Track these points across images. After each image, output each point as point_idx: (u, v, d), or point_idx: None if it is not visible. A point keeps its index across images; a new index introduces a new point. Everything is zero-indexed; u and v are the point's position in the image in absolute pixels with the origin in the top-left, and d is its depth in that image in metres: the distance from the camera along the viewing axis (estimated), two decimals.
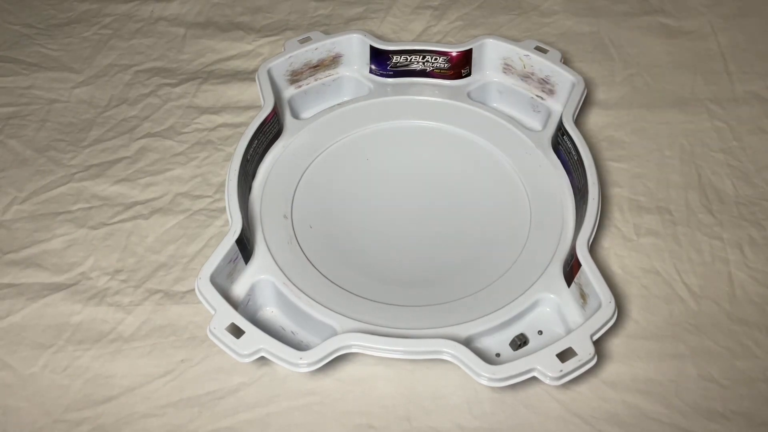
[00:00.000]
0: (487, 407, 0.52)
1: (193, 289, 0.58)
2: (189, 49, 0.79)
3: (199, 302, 0.57)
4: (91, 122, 0.72)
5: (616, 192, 0.65)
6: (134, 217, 0.64)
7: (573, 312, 0.54)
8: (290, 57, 0.69)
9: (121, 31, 0.81)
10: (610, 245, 0.61)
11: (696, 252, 0.61)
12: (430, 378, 0.54)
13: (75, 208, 0.65)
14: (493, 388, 0.52)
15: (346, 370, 0.54)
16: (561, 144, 0.64)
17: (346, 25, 0.81)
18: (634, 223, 0.63)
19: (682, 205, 0.64)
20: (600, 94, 0.73)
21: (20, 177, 0.67)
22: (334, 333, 0.52)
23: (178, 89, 0.74)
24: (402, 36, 0.80)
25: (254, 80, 0.74)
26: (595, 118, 0.71)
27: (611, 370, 0.54)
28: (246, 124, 0.71)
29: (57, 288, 0.59)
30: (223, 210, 0.64)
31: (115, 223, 0.63)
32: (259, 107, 0.72)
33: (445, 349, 0.50)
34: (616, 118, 0.71)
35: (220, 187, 0.66)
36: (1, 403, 0.53)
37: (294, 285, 0.55)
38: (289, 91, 0.70)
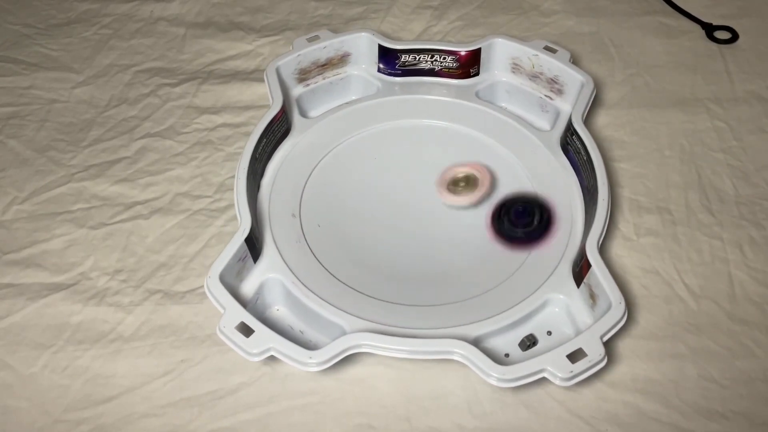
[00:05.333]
0: (487, 407, 0.52)
1: (193, 289, 0.59)
2: (189, 49, 0.79)
3: (199, 302, 0.58)
4: (91, 122, 0.72)
5: (616, 192, 0.65)
6: (134, 217, 0.64)
7: (582, 312, 0.54)
8: (298, 55, 0.69)
9: (121, 31, 0.81)
10: (610, 245, 0.61)
11: (696, 252, 0.61)
12: (430, 378, 0.54)
13: (75, 208, 0.65)
14: (493, 388, 0.52)
15: (346, 370, 0.54)
16: (570, 144, 0.64)
17: (346, 24, 0.81)
18: (634, 223, 0.63)
19: (682, 205, 0.64)
20: (600, 94, 0.73)
21: (20, 177, 0.67)
22: (343, 332, 0.52)
23: (178, 89, 0.74)
24: (402, 36, 0.80)
25: (254, 80, 0.75)
26: (595, 118, 0.71)
27: (611, 370, 0.54)
28: (246, 124, 0.71)
29: (57, 288, 0.59)
30: (223, 210, 0.64)
31: (115, 223, 0.63)
32: (259, 107, 0.72)
33: (455, 349, 0.50)
34: (616, 118, 0.71)
35: (220, 187, 0.66)
36: (1, 403, 0.53)
37: (302, 284, 0.55)
38: (297, 90, 0.70)
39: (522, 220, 0.60)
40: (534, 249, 0.58)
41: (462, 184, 0.62)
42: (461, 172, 0.63)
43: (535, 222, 0.59)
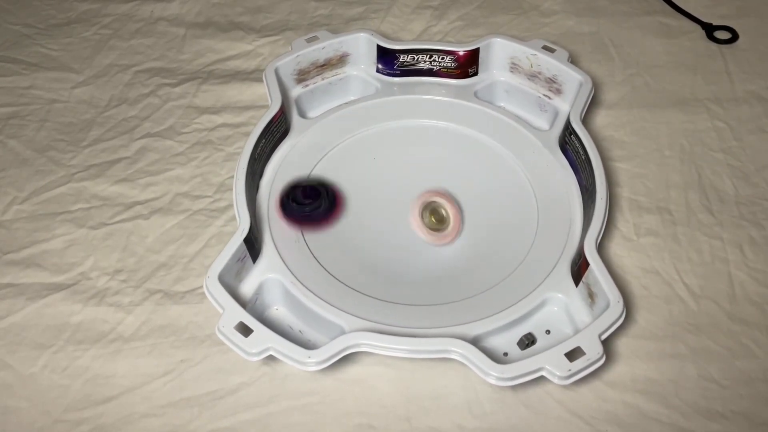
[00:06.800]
0: (487, 407, 0.52)
1: (193, 289, 0.59)
2: (189, 49, 0.79)
3: (199, 302, 0.58)
4: (91, 122, 0.72)
5: (616, 192, 0.65)
6: (134, 217, 0.64)
7: (581, 311, 0.54)
8: (297, 56, 0.69)
9: (121, 31, 0.81)
10: (609, 245, 0.61)
11: (696, 252, 0.61)
12: (430, 378, 0.54)
13: (75, 208, 0.65)
14: (493, 388, 0.52)
15: (346, 370, 0.54)
16: (568, 143, 0.64)
17: (346, 25, 0.81)
18: (634, 223, 0.63)
19: (682, 205, 0.64)
20: (600, 94, 0.73)
21: (20, 177, 0.67)
22: (342, 332, 0.52)
23: (178, 89, 0.74)
24: (402, 36, 0.80)
25: (254, 80, 0.75)
26: (595, 118, 0.71)
27: (611, 370, 0.54)
28: (246, 124, 0.71)
29: (57, 288, 0.59)
30: (223, 210, 0.64)
31: (115, 223, 0.63)
32: (259, 107, 0.72)
33: (453, 348, 0.50)
34: (616, 118, 0.71)
35: (220, 187, 0.66)
36: (1, 403, 0.53)
37: (302, 284, 0.55)
38: (296, 90, 0.70)
39: (308, 200, 0.61)
40: (324, 225, 0.60)
41: (434, 219, 0.60)
42: (434, 205, 0.61)
43: (322, 201, 0.61)
